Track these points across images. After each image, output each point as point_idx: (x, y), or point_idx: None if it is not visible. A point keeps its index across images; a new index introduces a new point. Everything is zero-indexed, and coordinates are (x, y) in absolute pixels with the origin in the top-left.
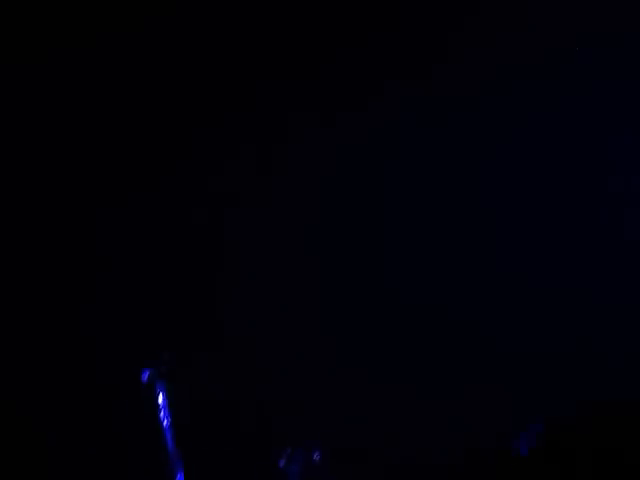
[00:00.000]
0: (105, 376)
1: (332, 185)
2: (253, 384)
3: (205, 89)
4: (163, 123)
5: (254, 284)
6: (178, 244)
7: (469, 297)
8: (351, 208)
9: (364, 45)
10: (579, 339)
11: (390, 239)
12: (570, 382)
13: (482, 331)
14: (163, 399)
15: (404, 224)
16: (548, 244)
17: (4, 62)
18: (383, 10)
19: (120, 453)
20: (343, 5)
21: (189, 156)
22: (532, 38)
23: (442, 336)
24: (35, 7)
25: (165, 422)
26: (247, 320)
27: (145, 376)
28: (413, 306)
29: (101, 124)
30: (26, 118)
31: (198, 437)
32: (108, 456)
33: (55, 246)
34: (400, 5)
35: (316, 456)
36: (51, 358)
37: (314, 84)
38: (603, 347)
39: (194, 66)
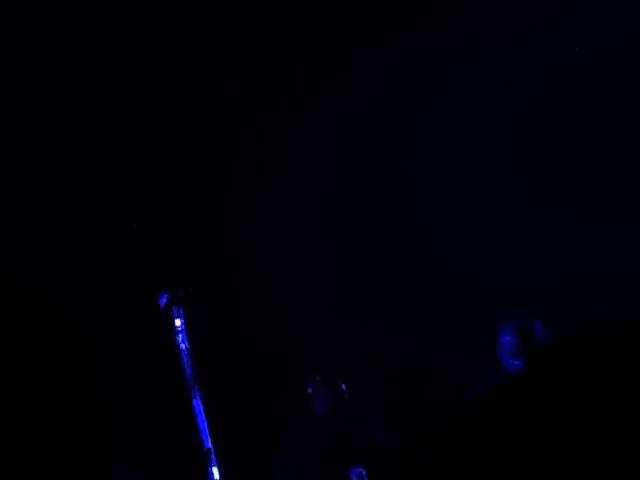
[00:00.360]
0: (123, 300)
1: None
2: (273, 315)
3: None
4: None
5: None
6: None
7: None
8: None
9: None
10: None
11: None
12: None
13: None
14: (181, 323)
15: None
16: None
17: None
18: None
19: (137, 377)
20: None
21: None
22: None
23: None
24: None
25: (183, 346)
26: (264, 249)
27: (163, 300)
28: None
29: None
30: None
31: (216, 362)
32: (125, 380)
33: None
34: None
35: (341, 386)
36: (68, 286)
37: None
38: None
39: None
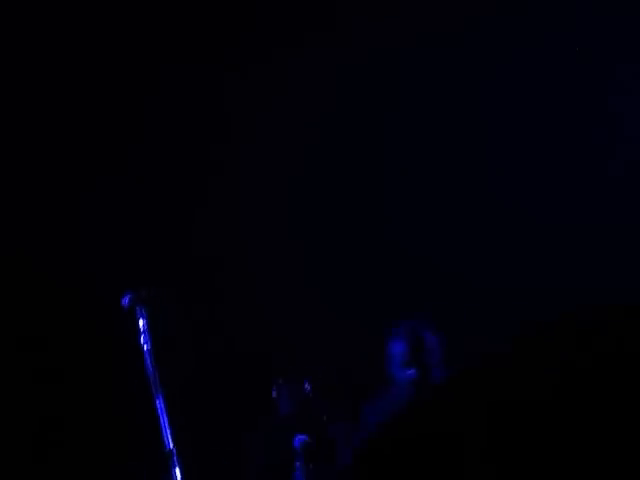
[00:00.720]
0: (88, 300)
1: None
2: (241, 315)
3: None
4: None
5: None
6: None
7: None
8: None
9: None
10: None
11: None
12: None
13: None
14: (144, 323)
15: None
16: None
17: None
18: None
19: (101, 378)
20: None
21: None
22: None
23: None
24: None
25: (145, 346)
26: (229, 244)
27: (126, 300)
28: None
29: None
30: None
31: (178, 362)
32: (90, 380)
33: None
34: None
35: (307, 387)
36: (36, 282)
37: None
38: None
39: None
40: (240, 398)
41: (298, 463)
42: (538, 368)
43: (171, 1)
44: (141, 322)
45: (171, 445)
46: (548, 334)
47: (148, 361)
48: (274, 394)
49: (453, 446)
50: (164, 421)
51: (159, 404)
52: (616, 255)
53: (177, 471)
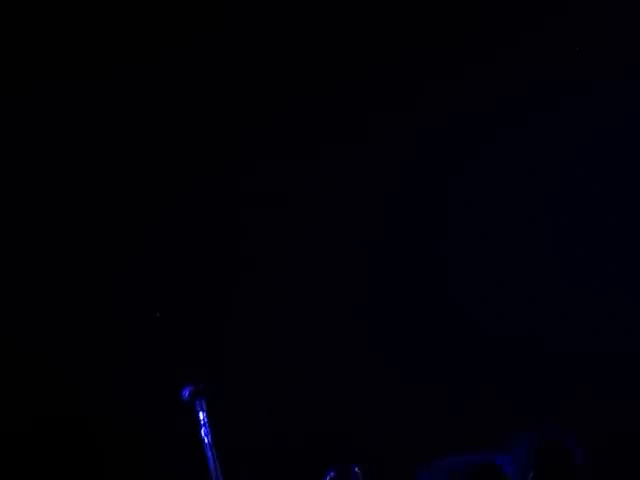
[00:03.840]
0: (146, 394)
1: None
2: (295, 401)
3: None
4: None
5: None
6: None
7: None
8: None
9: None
10: None
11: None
12: None
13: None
14: (204, 416)
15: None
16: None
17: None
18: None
19: (163, 472)
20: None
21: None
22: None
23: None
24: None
25: (206, 439)
26: (284, 336)
27: (186, 394)
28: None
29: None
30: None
31: (239, 455)
32: (152, 475)
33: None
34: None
35: (358, 476)
36: (92, 371)
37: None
38: None
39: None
40: None
41: None
42: None
43: None
44: (201, 415)
45: None
46: None
47: (209, 454)
48: None
49: None
50: None
51: None
52: None
53: None
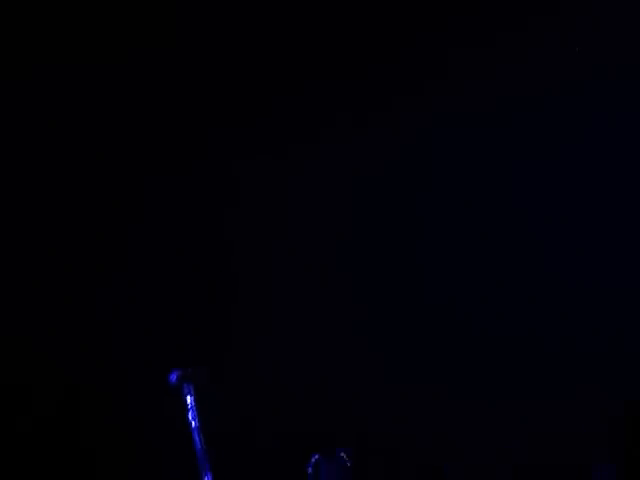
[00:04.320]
0: (134, 378)
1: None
2: (280, 385)
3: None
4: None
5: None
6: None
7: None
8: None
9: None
10: None
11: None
12: None
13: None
14: (191, 400)
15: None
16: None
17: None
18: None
19: (150, 455)
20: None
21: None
22: None
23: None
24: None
25: (193, 423)
26: (271, 317)
27: (173, 377)
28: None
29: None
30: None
31: (226, 439)
32: (138, 458)
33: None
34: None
35: (343, 461)
36: (78, 361)
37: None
38: None
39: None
40: (287, 473)
41: None
42: None
43: None
44: (189, 399)
45: None
46: None
47: (196, 438)
48: (309, 469)
49: None
50: None
51: None
52: None
53: None
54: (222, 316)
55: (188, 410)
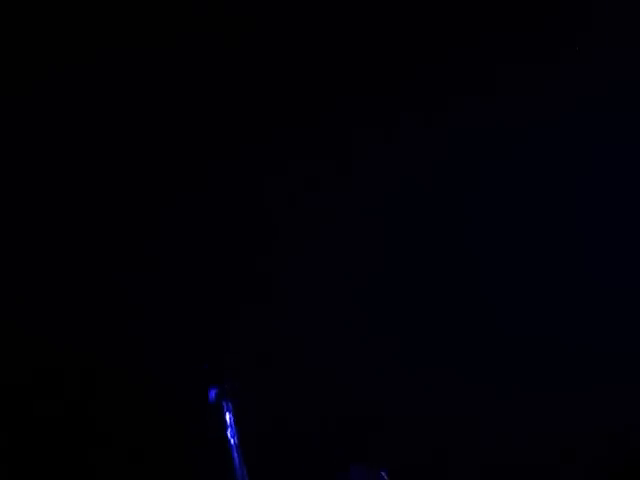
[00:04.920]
0: (172, 395)
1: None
2: (320, 401)
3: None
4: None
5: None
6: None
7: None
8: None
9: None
10: None
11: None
12: None
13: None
14: (230, 417)
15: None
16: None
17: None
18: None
19: (189, 472)
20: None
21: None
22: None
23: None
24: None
25: (232, 440)
26: (311, 334)
27: (212, 394)
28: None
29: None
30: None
31: (265, 455)
32: (178, 476)
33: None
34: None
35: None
36: (116, 374)
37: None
38: None
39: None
40: None
41: None
42: None
43: None
44: (227, 416)
45: None
46: None
47: (235, 454)
48: None
49: None
50: None
51: None
52: None
53: None
54: (249, 326)
55: (227, 427)
